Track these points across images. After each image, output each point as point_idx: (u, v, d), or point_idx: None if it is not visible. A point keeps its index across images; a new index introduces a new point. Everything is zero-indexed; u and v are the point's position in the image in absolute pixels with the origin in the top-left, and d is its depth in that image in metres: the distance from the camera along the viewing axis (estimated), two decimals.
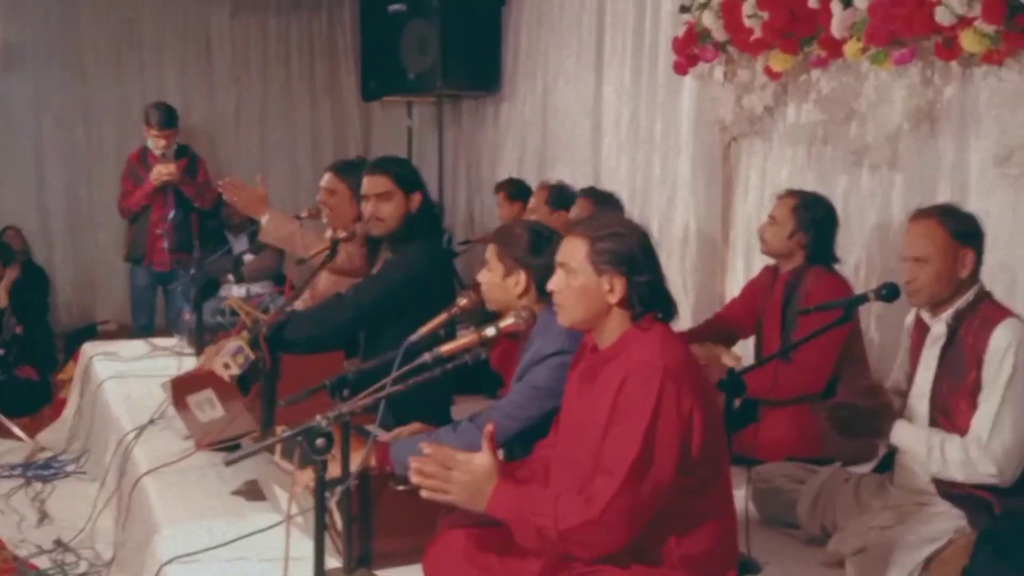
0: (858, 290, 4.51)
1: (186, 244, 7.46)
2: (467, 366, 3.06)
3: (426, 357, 3.03)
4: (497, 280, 3.46)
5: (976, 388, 3.26)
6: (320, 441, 2.75)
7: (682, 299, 6.09)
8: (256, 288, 7.50)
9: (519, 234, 3.48)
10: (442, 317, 3.46)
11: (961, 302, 3.36)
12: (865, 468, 3.84)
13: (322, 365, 3.87)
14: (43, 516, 4.96)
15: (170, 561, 3.28)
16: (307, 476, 2.96)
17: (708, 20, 5.89)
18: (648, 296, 2.75)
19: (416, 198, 4.33)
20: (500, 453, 3.10)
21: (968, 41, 4.35)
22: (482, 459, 2.68)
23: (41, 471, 5.53)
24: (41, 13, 9.05)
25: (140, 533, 3.85)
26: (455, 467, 2.67)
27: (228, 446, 4.07)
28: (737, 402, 3.35)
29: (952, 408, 3.33)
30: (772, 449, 4.11)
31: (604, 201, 5.69)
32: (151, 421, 4.69)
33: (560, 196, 6.22)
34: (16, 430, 6.26)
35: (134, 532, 3.99)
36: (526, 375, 3.35)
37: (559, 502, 2.61)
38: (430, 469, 2.68)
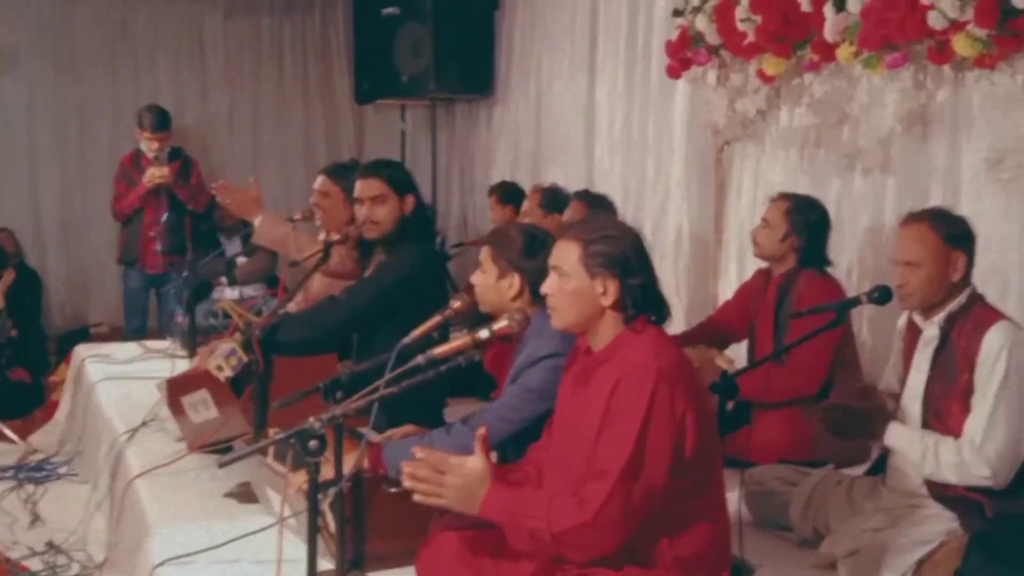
0: (850, 293, 4.51)
1: (179, 246, 7.46)
2: (460, 368, 3.06)
3: (419, 359, 3.03)
4: (491, 282, 3.47)
5: (969, 391, 3.27)
6: (313, 443, 2.74)
7: (675, 302, 6.09)
8: (249, 290, 7.50)
9: (513, 237, 3.48)
10: (435, 319, 3.46)
11: (953, 305, 3.37)
12: (858, 470, 3.85)
13: (315, 367, 3.87)
14: (35, 518, 4.95)
15: (163, 563, 3.28)
16: (300, 478, 2.96)
17: (701, 24, 5.90)
18: (641, 298, 2.75)
19: (410, 200, 4.34)
20: (493, 456, 3.10)
21: (960, 45, 4.36)
22: (475, 462, 2.68)
23: (33, 473, 5.51)
24: (34, 15, 9.03)
25: (132, 535, 3.84)
26: (448, 471, 2.67)
27: (220, 448, 4.07)
28: (730, 404, 3.35)
29: (945, 411, 3.34)
30: (765, 451, 4.11)
31: (597, 204, 5.70)
32: (144, 423, 4.68)
33: (554, 199, 6.23)
34: (8, 432, 6.25)
35: (126, 534, 3.99)
36: (520, 377, 3.36)
37: (552, 505, 2.61)
38: (422, 473, 2.68)
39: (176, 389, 4.32)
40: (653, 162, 6.80)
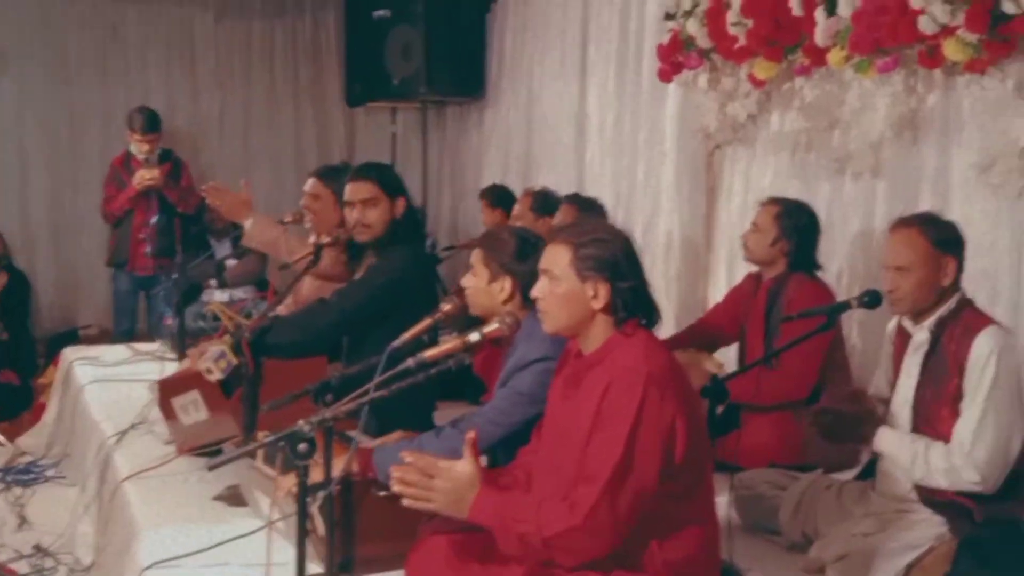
0: (840, 297, 4.51)
1: (169, 249, 7.44)
2: (450, 372, 3.06)
3: (409, 362, 3.02)
4: (482, 285, 3.46)
5: (958, 395, 3.27)
6: (303, 446, 2.73)
7: (665, 305, 6.05)
8: (239, 293, 7.48)
9: (506, 240, 3.48)
10: (426, 322, 3.46)
11: (943, 310, 3.37)
12: (847, 475, 3.85)
13: (305, 370, 3.86)
14: (22, 521, 4.93)
15: (151, 566, 3.27)
16: (289, 481, 2.95)
17: (692, 27, 5.90)
18: (632, 302, 2.75)
19: (401, 203, 4.34)
20: (483, 459, 3.09)
21: (951, 50, 4.37)
22: (464, 466, 2.67)
23: (21, 476, 5.49)
24: (25, 16, 9.00)
25: (120, 538, 3.83)
26: (437, 475, 2.66)
27: (210, 451, 4.06)
28: (720, 408, 3.35)
29: (934, 415, 3.34)
30: (754, 456, 4.11)
31: (588, 207, 5.70)
32: (132, 426, 4.67)
33: (545, 202, 6.22)
34: None
35: (114, 537, 3.97)
36: (510, 381, 3.35)
37: (542, 509, 2.60)
38: (411, 477, 2.67)
39: (168, 390, 4.31)
40: (644, 166, 6.80)
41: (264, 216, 5.21)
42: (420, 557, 2.90)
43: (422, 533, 2.97)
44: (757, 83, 5.65)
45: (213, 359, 3.91)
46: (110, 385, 5.50)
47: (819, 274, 4.57)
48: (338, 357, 4.35)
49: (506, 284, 3.42)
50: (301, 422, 2.78)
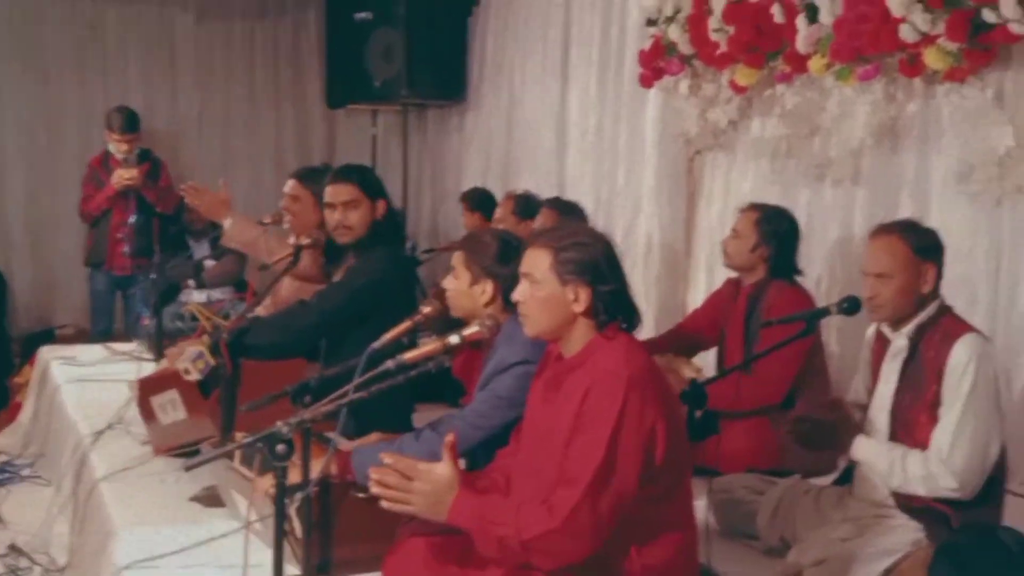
0: (820, 303, 4.53)
1: (147, 249, 7.42)
2: (429, 374, 3.05)
3: (389, 364, 3.01)
4: (464, 288, 3.46)
5: (936, 402, 3.27)
6: (281, 447, 2.72)
7: (644, 310, 6.04)
8: (217, 294, 7.47)
9: (487, 242, 3.48)
10: (406, 324, 3.45)
11: (922, 316, 3.38)
12: (825, 480, 3.86)
13: (284, 372, 3.84)
14: None
15: (127, 567, 3.25)
16: (267, 482, 2.94)
17: (674, 33, 5.92)
18: (612, 305, 2.75)
19: (381, 205, 4.33)
20: (462, 462, 3.09)
21: (931, 58, 4.40)
22: (443, 469, 2.66)
23: None
24: (3, 14, 8.95)
25: (96, 538, 3.81)
26: (416, 477, 2.65)
27: (186, 452, 4.04)
28: (698, 413, 3.35)
29: (912, 421, 3.34)
30: (733, 460, 4.12)
31: (568, 211, 5.70)
32: (109, 426, 4.64)
33: (527, 205, 6.22)
34: None
35: (90, 537, 3.95)
36: (489, 384, 3.35)
37: (521, 511, 2.60)
38: (390, 480, 2.66)
39: (147, 389, 4.29)
40: (624, 171, 6.81)
41: (243, 216, 5.20)
42: (398, 559, 2.89)
43: (400, 535, 2.96)
44: (738, 89, 5.67)
45: (191, 359, 3.89)
46: (87, 385, 5.47)
47: (799, 280, 4.58)
48: (317, 359, 4.34)
49: (488, 287, 3.41)
50: (279, 423, 2.77)
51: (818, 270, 5.18)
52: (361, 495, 3.12)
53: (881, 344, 3.54)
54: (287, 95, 10.02)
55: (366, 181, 4.35)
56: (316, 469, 3.05)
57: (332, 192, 4.30)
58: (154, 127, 8.98)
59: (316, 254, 4.71)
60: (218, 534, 3.29)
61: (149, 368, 5.13)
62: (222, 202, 5.09)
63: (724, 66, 5.70)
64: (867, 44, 4.65)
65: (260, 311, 4.71)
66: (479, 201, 7.27)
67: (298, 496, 2.94)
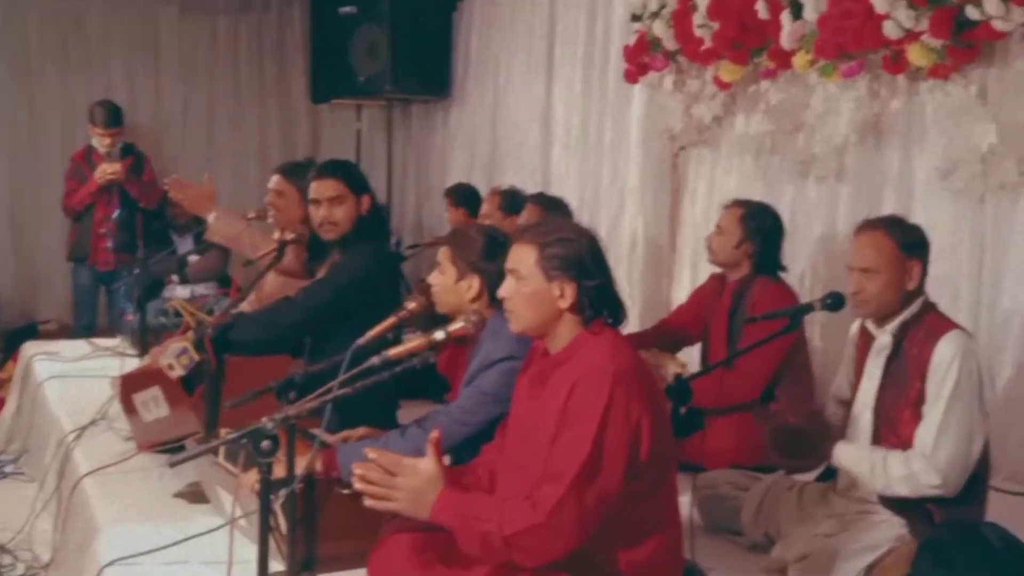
0: (803, 300, 4.54)
1: (130, 244, 7.39)
2: (414, 370, 3.05)
3: (374, 360, 3.01)
4: (449, 283, 3.45)
5: (920, 399, 3.28)
6: (266, 444, 2.72)
7: (629, 306, 6.07)
8: (200, 289, 7.44)
9: (473, 238, 3.47)
10: (391, 320, 3.45)
11: (907, 313, 3.38)
12: (809, 476, 3.86)
13: (268, 368, 3.83)
14: None
15: (111, 563, 3.24)
16: (252, 478, 2.94)
17: (659, 29, 5.93)
18: (598, 301, 2.75)
19: (366, 200, 4.32)
20: (447, 459, 3.09)
21: (915, 55, 4.41)
22: (427, 465, 2.66)
23: None
24: None
25: (80, 535, 3.80)
26: (399, 473, 2.65)
27: (170, 448, 4.03)
28: (683, 409, 3.35)
29: (896, 418, 3.35)
30: (717, 457, 4.13)
31: (553, 207, 5.70)
32: (92, 422, 4.63)
33: (513, 201, 6.22)
34: None
35: (73, 534, 3.94)
36: (475, 380, 3.34)
37: (505, 507, 2.59)
38: (373, 476, 2.66)
39: (129, 386, 4.28)
40: (609, 166, 6.82)
41: (227, 210, 5.18)
42: (382, 556, 2.88)
43: (385, 532, 2.96)
44: (723, 85, 5.68)
45: (175, 355, 3.88)
46: (70, 381, 5.47)
47: (783, 276, 4.58)
48: (302, 356, 4.33)
49: (474, 282, 3.41)
50: (264, 419, 2.76)
51: (802, 266, 5.19)
52: (346, 491, 3.12)
53: (865, 340, 3.55)
54: (271, 90, 10.01)
55: (351, 176, 4.34)
56: (301, 465, 3.05)
57: (317, 188, 4.28)
58: (137, 122, 8.95)
59: (300, 249, 4.70)
60: (202, 530, 3.27)
61: (133, 364, 5.12)
62: (206, 196, 5.08)
63: (709, 62, 5.71)
64: (851, 41, 4.67)
65: (244, 307, 4.71)
66: (463, 197, 7.26)
67: (283, 492, 2.93)
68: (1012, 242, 4.39)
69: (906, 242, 3.38)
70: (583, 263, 2.76)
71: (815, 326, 5.04)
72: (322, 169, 4.36)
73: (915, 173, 4.75)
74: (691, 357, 4.94)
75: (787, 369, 4.37)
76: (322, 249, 4.43)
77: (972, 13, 4.17)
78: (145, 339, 5.43)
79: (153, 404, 4.12)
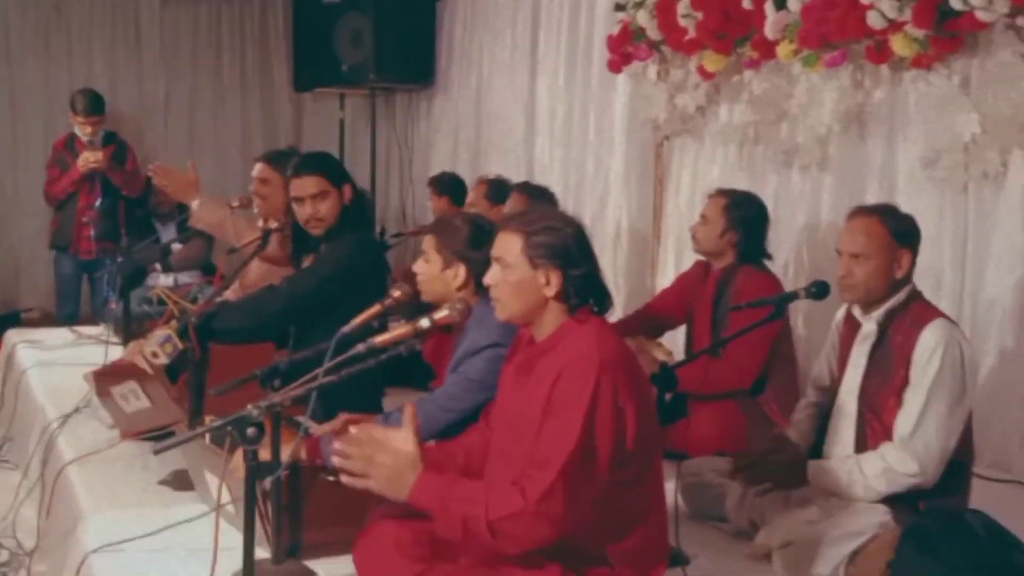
0: (787, 288, 4.56)
1: (113, 232, 7.38)
2: (400, 358, 3.05)
3: (360, 348, 3.01)
4: (435, 272, 3.45)
5: (905, 386, 3.30)
6: (251, 431, 2.71)
7: (613, 295, 6.12)
8: (184, 277, 7.43)
9: (459, 227, 3.47)
10: (376, 308, 3.45)
11: (893, 302, 3.40)
12: None
13: (252, 356, 3.83)
14: None
15: (95, 550, 3.24)
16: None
17: (643, 19, 5.93)
18: (584, 289, 2.75)
19: (347, 190, 4.32)
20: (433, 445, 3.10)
21: (898, 45, 4.43)
22: (407, 446, 2.64)
23: None
24: None
25: (64, 522, 3.79)
26: (378, 450, 2.62)
27: (154, 436, 4.02)
28: (668, 396, 3.37)
29: (881, 405, 3.37)
30: (702, 444, 4.14)
31: (538, 195, 5.71)
32: (76, 410, 4.62)
33: (499, 190, 6.22)
34: None
35: (58, 521, 3.93)
36: (460, 367, 3.35)
37: (490, 492, 2.59)
38: (352, 451, 2.63)
39: (104, 380, 4.27)
40: (593, 156, 6.82)
41: (211, 197, 5.18)
42: (368, 542, 2.88)
43: (371, 519, 2.96)
44: (706, 75, 5.69)
45: (159, 343, 3.87)
46: (53, 369, 5.45)
47: (767, 265, 4.60)
48: (286, 344, 4.33)
49: (460, 271, 3.41)
50: (250, 406, 2.76)
51: (785, 255, 5.21)
52: (331, 478, 3.12)
53: (850, 328, 3.56)
54: (254, 79, 9.97)
55: (330, 169, 4.33)
56: (286, 453, 3.05)
57: (298, 186, 4.26)
58: (119, 110, 8.92)
59: (284, 237, 4.69)
60: (186, 517, 3.27)
61: (117, 352, 5.10)
62: (190, 183, 5.07)
63: (692, 52, 5.72)
64: (834, 31, 4.68)
65: (228, 295, 4.70)
66: (447, 186, 7.26)
67: (269, 478, 2.93)
68: (995, 231, 4.42)
69: (899, 231, 3.40)
70: (569, 251, 2.76)
71: (799, 314, 5.06)
72: (300, 167, 4.32)
73: (898, 163, 4.77)
74: (676, 345, 4.96)
75: (773, 359, 4.39)
76: (307, 240, 4.43)
77: (955, 3, 4.18)
78: (129, 327, 5.41)
79: (132, 396, 4.11)
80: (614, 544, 2.71)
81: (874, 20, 4.47)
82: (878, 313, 3.42)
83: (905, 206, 3.70)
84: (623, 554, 2.71)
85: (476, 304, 3.32)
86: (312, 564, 3.12)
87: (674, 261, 6.12)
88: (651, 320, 4.85)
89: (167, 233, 7.67)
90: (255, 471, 2.77)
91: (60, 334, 6.30)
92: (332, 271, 4.19)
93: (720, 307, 4.48)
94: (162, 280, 7.23)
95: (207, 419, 3.38)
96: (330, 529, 3.15)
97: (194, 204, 5.02)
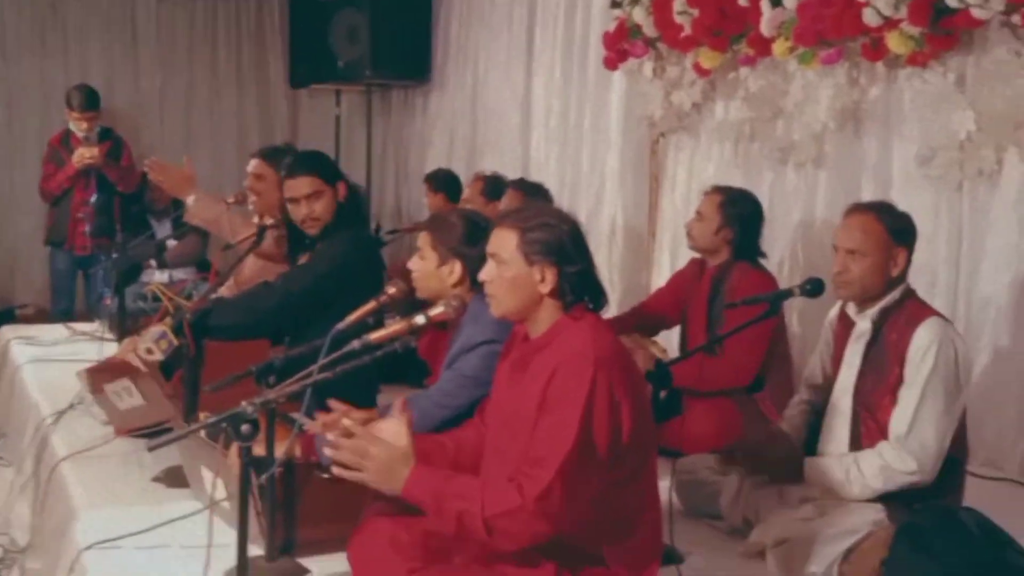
0: (782, 286, 4.56)
1: (108, 228, 7.38)
2: (395, 355, 3.05)
3: (355, 344, 3.01)
4: (431, 269, 3.45)
5: (899, 385, 3.30)
6: (246, 427, 2.71)
7: (608, 292, 6.12)
8: (179, 274, 7.42)
9: (454, 223, 3.48)
10: (371, 305, 3.44)
11: (887, 299, 3.40)
12: None
13: (247, 352, 3.83)
14: None
15: (89, 547, 3.23)
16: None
17: (639, 16, 5.93)
18: (579, 286, 2.75)
19: (341, 188, 4.32)
20: None
21: (894, 43, 4.43)
22: (400, 440, 2.64)
23: None
24: None
25: (58, 519, 3.78)
26: (373, 443, 2.62)
27: (148, 432, 4.02)
28: (663, 393, 3.36)
29: (875, 403, 3.37)
30: (697, 442, 4.14)
31: (534, 192, 5.70)
32: (70, 406, 4.61)
33: (495, 187, 6.22)
34: None
35: (51, 518, 3.92)
36: (455, 363, 3.35)
37: (487, 488, 2.58)
38: (346, 443, 2.62)
39: (97, 377, 4.26)
40: (588, 153, 6.82)
41: (207, 193, 5.17)
42: (363, 540, 2.87)
43: (365, 516, 2.95)
44: (702, 72, 5.69)
45: (154, 339, 3.86)
46: (48, 365, 5.44)
47: (762, 262, 4.59)
48: (281, 341, 4.33)
49: (455, 267, 3.42)
50: (244, 403, 2.75)
51: (780, 253, 5.21)
52: (325, 476, 3.11)
53: (844, 326, 3.56)
54: (250, 75, 9.97)
55: (324, 169, 4.34)
56: (280, 450, 3.05)
57: (292, 187, 4.27)
58: (115, 106, 8.91)
59: (280, 234, 4.69)
60: (180, 514, 3.26)
61: (111, 348, 5.10)
62: (186, 179, 5.06)
63: (688, 49, 5.72)
64: (830, 28, 4.68)
65: (223, 291, 4.69)
66: (443, 182, 7.26)
67: (265, 475, 2.93)
68: (989, 229, 4.42)
69: (895, 229, 3.41)
70: (564, 248, 2.75)
71: (794, 312, 5.06)
72: (293, 167, 4.33)
73: (893, 160, 4.77)
74: (670, 342, 4.96)
75: (770, 357, 4.39)
76: (303, 239, 4.43)
77: (951, 1, 4.18)
78: (123, 323, 5.42)
79: (126, 394, 4.11)
80: (609, 542, 2.70)
81: (870, 17, 4.47)
82: (872, 311, 3.42)
83: (900, 204, 3.70)
84: (617, 552, 2.71)
85: (471, 300, 3.32)
86: (306, 561, 3.12)
87: (669, 258, 6.12)
88: (646, 319, 4.85)
89: (162, 229, 7.66)
90: (249, 467, 2.76)
91: (55, 330, 6.29)
92: (327, 268, 4.19)
93: (715, 304, 4.48)
94: (157, 276, 7.22)
95: (202, 416, 3.38)
96: (324, 526, 3.15)
97: (190, 200, 5.02)
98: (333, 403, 3.01)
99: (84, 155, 7.31)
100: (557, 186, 6.78)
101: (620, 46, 6.15)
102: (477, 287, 3.10)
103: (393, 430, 2.65)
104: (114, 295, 5.62)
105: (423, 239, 3.50)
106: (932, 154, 4.49)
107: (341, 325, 3.22)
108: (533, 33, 7.51)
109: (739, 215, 4.55)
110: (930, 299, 3.70)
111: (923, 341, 3.26)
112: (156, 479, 3.84)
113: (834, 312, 3.69)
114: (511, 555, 2.65)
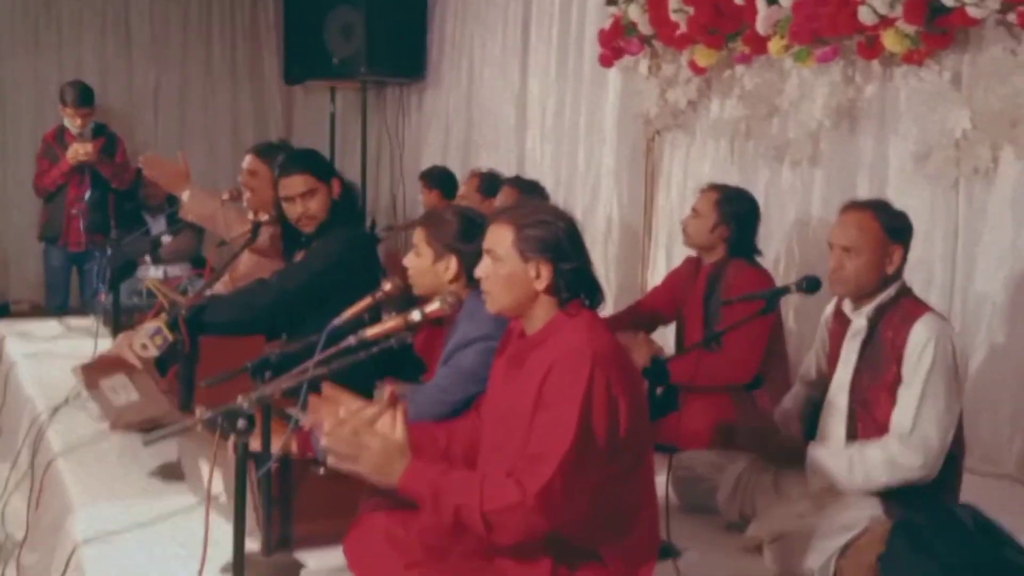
0: (778, 283, 4.56)
1: (102, 224, 7.37)
2: (391, 351, 3.04)
3: (351, 340, 3.01)
4: (427, 265, 3.46)
5: (896, 382, 3.30)
6: (241, 423, 2.71)
7: (603, 289, 6.13)
8: (174, 270, 7.40)
9: (449, 219, 3.48)
10: (367, 301, 3.44)
11: (883, 297, 3.41)
12: None
13: (243, 348, 3.82)
14: None
15: (85, 542, 3.23)
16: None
17: (634, 13, 5.93)
18: (575, 282, 2.75)
19: (336, 185, 4.33)
20: None
21: (890, 41, 4.43)
22: (397, 432, 2.63)
23: None
24: None
25: (54, 514, 3.78)
26: (370, 435, 2.61)
27: (144, 428, 4.02)
28: (659, 390, 3.37)
29: (872, 401, 3.37)
30: (693, 438, 4.14)
31: (529, 190, 5.71)
32: (65, 401, 4.61)
33: (491, 184, 6.22)
34: None
35: (47, 513, 3.92)
36: (452, 359, 3.36)
37: (485, 483, 2.58)
38: (342, 432, 2.62)
39: (92, 374, 4.26)
40: (584, 151, 6.83)
41: (202, 189, 5.17)
42: (359, 535, 2.88)
43: (361, 511, 2.95)
44: (697, 70, 5.69)
45: (149, 335, 3.87)
46: (43, 360, 5.43)
47: (758, 260, 4.60)
48: (276, 338, 4.32)
49: (451, 263, 3.42)
50: (240, 398, 2.75)
51: (775, 250, 5.22)
52: (322, 471, 3.11)
53: (839, 323, 3.57)
54: (244, 71, 9.96)
55: (317, 167, 4.35)
56: (276, 446, 3.05)
57: (287, 185, 4.28)
58: (109, 103, 8.90)
59: (275, 230, 4.69)
60: (176, 509, 3.26)
61: (105, 344, 5.09)
62: (181, 174, 5.06)
63: (684, 47, 5.72)
64: (826, 26, 4.69)
65: (218, 287, 4.69)
66: (438, 179, 7.26)
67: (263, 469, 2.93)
68: (985, 227, 4.43)
69: (892, 226, 3.41)
70: (560, 245, 2.75)
71: (790, 309, 5.07)
72: (287, 166, 4.34)
73: (889, 158, 4.78)
74: (666, 340, 4.96)
75: (768, 355, 4.40)
76: (298, 236, 4.43)
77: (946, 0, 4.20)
78: (118, 319, 5.41)
79: (122, 389, 4.10)
80: (605, 538, 2.70)
81: (865, 16, 4.47)
82: (868, 308, 3.43)
83: (896, 201, 3.71)
84: (614, 548, 2.71)
85: (467, 297, 3.32)
86: (302, 556, 3.11)
87: (665, 255, 6.12)
88: (641, 316, 4.85)
89: (157, 225, 7.67)
90: (245, 462, 2.76)
91: (49, 326, 6.28)
92: (323, 265, 4.20)
93: (711, 302, 4.48)
94: (152, 272, 7.19)
95: (197, 411, 3.37)
96: (321, 521, 3.14)
97: (184, 196, 5.02)
98: (327, 386, 3.00)
99: (78, 151, 7.30)
100: (553, 183, 6.79)
101: (615, 43, 6.15)
102: (473, 283, 3.10)
103: (388, 422, 2.65)
104: (108, 291, 5.61)
105: (419, 235, 3.50)
106: (928, 152, 4.50)
107: (337, 321, 3.22)
108: (528, 30, 7.51)
109: (735, 213, 4.55)
110: (926, 296, 3.71)
111: (919, 338, 3.27)
112: (152, 474, 3.84)
113: (830, 309, 3.70)
114: (508, 551, 2.65)
